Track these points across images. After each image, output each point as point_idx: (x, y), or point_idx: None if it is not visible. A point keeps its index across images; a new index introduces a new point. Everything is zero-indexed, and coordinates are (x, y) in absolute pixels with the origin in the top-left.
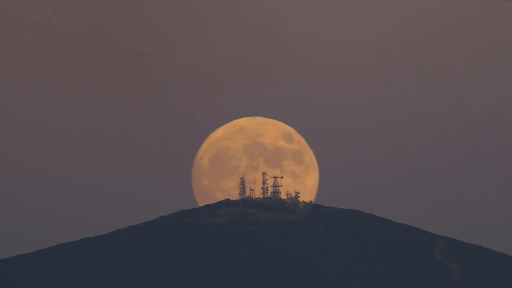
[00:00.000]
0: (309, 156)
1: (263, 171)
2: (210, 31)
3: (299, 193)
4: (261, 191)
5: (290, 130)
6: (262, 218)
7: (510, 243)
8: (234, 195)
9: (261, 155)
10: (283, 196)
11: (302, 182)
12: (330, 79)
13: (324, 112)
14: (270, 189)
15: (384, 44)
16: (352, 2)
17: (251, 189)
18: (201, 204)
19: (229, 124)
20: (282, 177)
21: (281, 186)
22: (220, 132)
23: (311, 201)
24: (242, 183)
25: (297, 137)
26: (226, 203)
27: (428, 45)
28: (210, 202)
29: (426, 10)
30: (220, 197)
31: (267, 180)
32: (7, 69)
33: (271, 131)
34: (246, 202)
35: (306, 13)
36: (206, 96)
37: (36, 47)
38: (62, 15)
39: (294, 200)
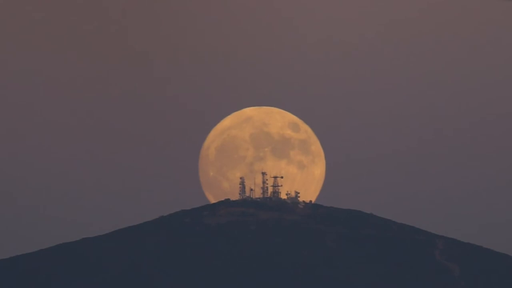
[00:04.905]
0: (316, 146)
1: (263, 171)
2: (217, 22)
3: (299, 193)
4: (261, 191)
5: (297, 119)
6: (262, 218)
7: (510, 243)
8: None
9: (268, 145)
10: (283, 196)
11: (309, 172)
12: (335, 70)
13: (329, 104)
14: (270, 189)
15: (389, 42)
16: None
17: (251, 189)
18: (207, 194)
19: (236, 113)
20: (282, 177)
21: (281, 186)
22: (226, 121)
23: (311, 201)
24: (242, 183)
25: (304, 126)
26: (226, 203)
27: (429, 45)
28: (217, 192)
29: (426, 10)
30: (227, 187)
31: (267, 180)
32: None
33: (277, 120)
34: (246, 202)
35: (313, 5)
36: (212, 86)
37: (37, 45)
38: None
39: (294, 200)
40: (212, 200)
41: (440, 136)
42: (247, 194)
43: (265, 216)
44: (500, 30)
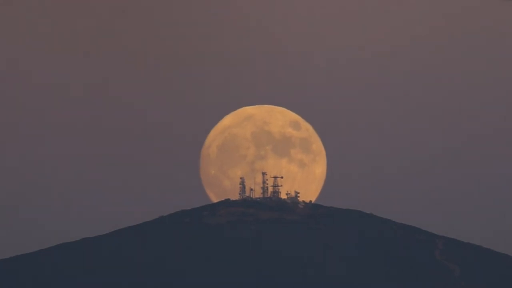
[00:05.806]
0: (317, 144)
1: (263, 171)
2: (217, 20)
3: (299, 192)
4: (261, 191)
5: (298, 118)
6: (262, 218)
7: (510, 243)
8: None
9: (269, 143)
10: (283, 196)
11: (310, 171)
12: (336, 69)
13: (331, 102)
14: (270, 189)
15: (390, 41)
16: None
17: (251, 189)
18: (209, 192)
19: (237, 112)
20: (282, 177)
21: (281, 186)
22: (227, 120)
23: (311, 201)
24: (242, 183)
25: (305, 124)
26: (226, 203)
27: (429, 45)
28: (218, 190)
29: (427, 9)
30: (228, 185)
31: (267, 180)
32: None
33: (278, 119)
34: (246, 202)
35: (314, 4)
36: (213, 84)
37: (35, 46)
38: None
39: (294, 200)
40: (214, 198)
41: (440, 136)
42: (247, 194)
43: (265, 216)
44: (500, 30)
